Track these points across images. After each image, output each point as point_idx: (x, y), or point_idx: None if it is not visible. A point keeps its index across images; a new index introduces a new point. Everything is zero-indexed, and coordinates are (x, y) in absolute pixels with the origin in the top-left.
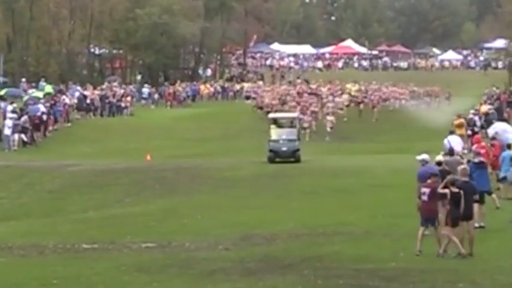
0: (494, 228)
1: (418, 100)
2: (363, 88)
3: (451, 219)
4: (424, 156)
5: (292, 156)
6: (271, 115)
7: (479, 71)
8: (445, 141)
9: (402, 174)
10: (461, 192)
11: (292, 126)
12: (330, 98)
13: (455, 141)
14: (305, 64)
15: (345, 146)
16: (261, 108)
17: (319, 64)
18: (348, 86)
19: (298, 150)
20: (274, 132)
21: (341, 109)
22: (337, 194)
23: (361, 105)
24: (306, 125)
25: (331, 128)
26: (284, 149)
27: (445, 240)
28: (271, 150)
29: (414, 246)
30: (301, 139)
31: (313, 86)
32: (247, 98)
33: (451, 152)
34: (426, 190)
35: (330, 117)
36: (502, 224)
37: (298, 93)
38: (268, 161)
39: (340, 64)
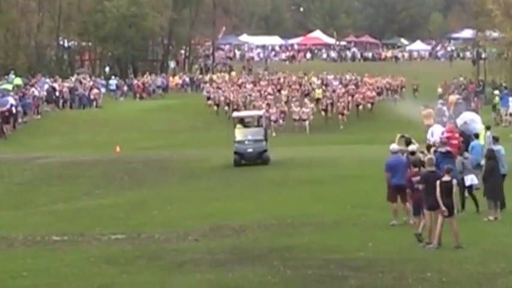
0: (462, 218)
1: (385, 94)
2: (328, 94)
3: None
4: (395, 146)
5: (259, 158)
6: (235, 114)
7: (444, 62)
8: (429, 130)
9: (370, 164)
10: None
11: (258, 125)
12: (296, 104)
13: (437, 131)
14: (271, 56)
15: (314, 137)
16: (217, 105)
17: (284, 56)
18: (313, 80)
19: (265, 151)
20: (239, 133)
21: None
22: (306, 185)
23: (328, 113)
24: (273, 117)
25: (307, 119)
26: (250, 150)
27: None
28: (236, 153)
29: (387, 236)
30: (269, 137)
31: (281, 80)
32: (208, 98)
33: (407, 142)
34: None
35: (305, 109)
36: (470, 214)
37: (260, 95)
38: (234, 164)
39: (308, 55)
